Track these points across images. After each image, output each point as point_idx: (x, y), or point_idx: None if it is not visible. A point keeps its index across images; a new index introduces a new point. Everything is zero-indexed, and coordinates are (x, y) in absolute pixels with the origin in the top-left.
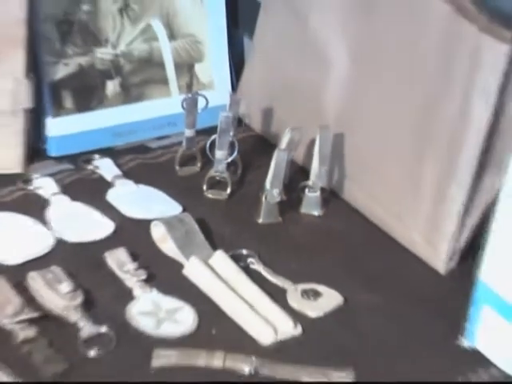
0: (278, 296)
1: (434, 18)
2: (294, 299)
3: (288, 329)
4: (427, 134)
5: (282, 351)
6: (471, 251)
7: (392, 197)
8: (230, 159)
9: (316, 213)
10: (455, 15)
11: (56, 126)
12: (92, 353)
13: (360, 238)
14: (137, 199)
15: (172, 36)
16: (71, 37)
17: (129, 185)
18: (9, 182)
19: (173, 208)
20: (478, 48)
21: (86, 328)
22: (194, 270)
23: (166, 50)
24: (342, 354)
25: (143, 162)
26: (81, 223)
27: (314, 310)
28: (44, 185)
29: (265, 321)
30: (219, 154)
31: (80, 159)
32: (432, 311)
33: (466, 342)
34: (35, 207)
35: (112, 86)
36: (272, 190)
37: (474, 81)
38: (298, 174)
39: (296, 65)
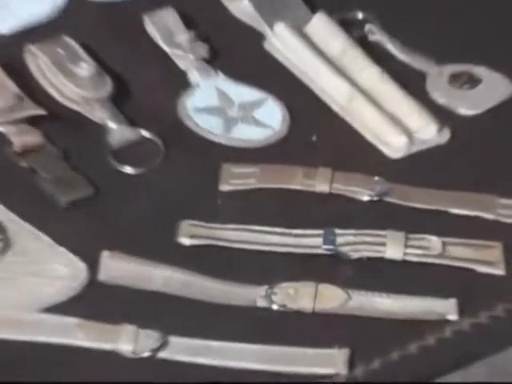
0: (412, 84)
1: None
2: (439, 88)
3: (428, 134)
4: None
5: (418, 167)
6: None
7: None
8: None
9: None
10: None
11: None
12: (128, 169)
13: None
14: None
15: None
16: None
17: None
18: None
19: None
20: None
21: (118, 132)
22: (281, 43)
23: None
24: None
25: None
26: None
27: (468, 104)
28: None
29: (393, 122)
30: None
31: None
32: None
33: None
34: None
35: None
36: None
37: None
38: None
39: None
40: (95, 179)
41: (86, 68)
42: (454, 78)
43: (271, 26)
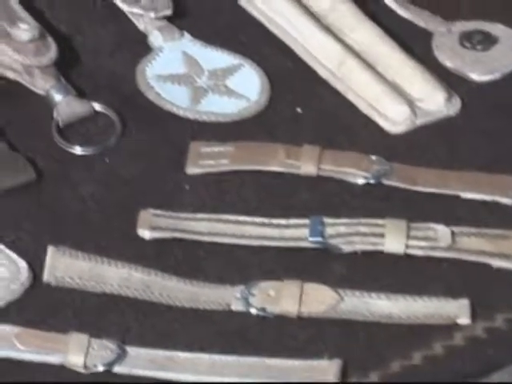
0: (416, 45)
1: None
2: (448, 50)
3: (435, 104)
4: None
5: (423, 143)
6: None
7: None
8: None
9: None
10: None
11: None
12: (77, 149)
13: None
14: None
15: None
16: None
17: None
18: None
19: None
20: None
21: (65, 105)
22: None
23: None
24: None
25: None
26: None
27: (482, 68)
28: None
29: (392, 90)
30: None
31: None
32: None
33: None
34: None
35: None
36: None
37: None
38: None
39: None
40: (38, 161)
41: (25, 29)
42: (466, 38)
43: None
